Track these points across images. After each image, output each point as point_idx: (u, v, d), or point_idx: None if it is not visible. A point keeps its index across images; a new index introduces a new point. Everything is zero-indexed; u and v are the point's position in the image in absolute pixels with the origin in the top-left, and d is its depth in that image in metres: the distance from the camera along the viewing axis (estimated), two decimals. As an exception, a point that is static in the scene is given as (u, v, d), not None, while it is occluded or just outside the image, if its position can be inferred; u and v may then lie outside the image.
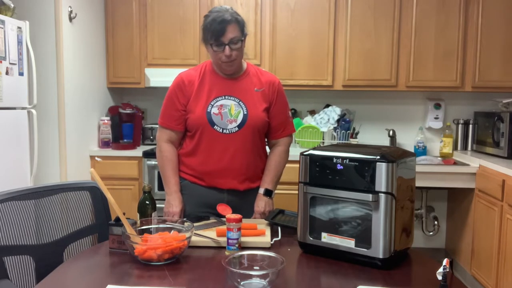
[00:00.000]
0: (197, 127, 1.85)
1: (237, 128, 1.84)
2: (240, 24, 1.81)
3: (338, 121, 3.58)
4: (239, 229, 1.46)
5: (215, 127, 1.84)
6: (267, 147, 2.02)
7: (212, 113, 1.84)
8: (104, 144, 3.59)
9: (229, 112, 1.85)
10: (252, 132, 1.87)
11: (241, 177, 1.88)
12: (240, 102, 1.86)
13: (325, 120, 3.59)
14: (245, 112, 1.85)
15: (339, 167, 1.41)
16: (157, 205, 1.71)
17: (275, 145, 1.99)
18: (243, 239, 1.50)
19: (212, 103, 1.85)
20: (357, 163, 1.38)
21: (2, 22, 2.49)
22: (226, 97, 1.86)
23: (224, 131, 1.84)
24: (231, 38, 1.77)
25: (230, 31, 1.77)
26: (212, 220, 1.78)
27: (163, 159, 1.92)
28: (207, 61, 1.96)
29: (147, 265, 1.37)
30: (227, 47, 1.77)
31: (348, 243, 1.40)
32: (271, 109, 1.92)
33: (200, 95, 1.86)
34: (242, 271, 1.21)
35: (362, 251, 1.37)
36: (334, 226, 1.44)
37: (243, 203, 1.88)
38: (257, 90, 1.90)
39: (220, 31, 1.75)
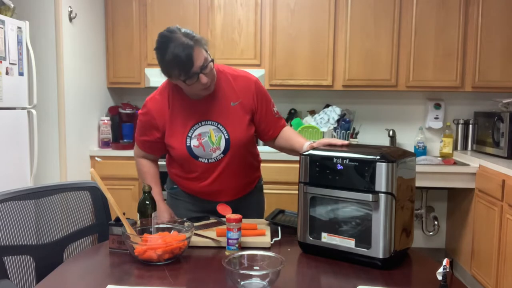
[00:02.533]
0: (182, 161, 1.75)
1: (222, 155, 1.72)
2: (203, 44, 1.58)
3: (338, 121, 3.58)
4: (239, 229, 1.45)
5: (200, 159, 1.72)
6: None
7: (192, 146, 1.70)
8: (104, 144, 3.59)
9: (209, 140, 1.70)
10: (239, 153, 1.75)
11: (233, 192, 1.83)
12: (219, 125, 1.71)
13: (325, 120, 3.59)
14: (227, 137, 1.71)
15: (339, 167, 1.41)
16: (157, 204, 1.71)
17: (277, 137, 1.87)
18: (243, 239, 1.50)
19: (189, 135, 1.70)
20: (357, 163, 1.38)
21: (2, 22, 2.49)
22: (202, 122, 1.70)
23: (210, 160, 1.73)
24: (200, 65, 1.55)
25: (198, 58, 1.54)
26: (212, 220, 1.78)
27: (140, 173, 1.87)
28: (168, 80, 1.72)
29: (147, 265, 1.37)
30: (201, 75, 1.56)
31: (348, 243, 1.40)
32: (256, 116, 1.78)
33: (175, 127, 1.71)
34: (242, 271, 1.21)
35: (362, 251, 1.37)
36: (334, 226, 1.44)
37: (244, 203, 1.87)
38: (233, 104, 1.72)
39: (187, 63, 1.52)
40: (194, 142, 1.70)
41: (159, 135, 1.74)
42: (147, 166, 1.86)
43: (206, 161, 1.73)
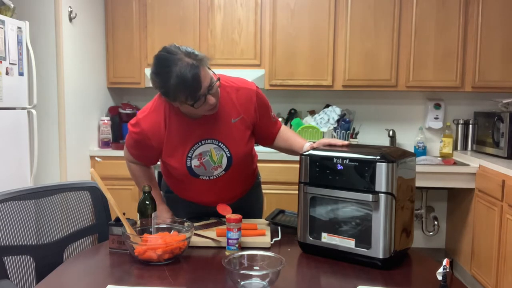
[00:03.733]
0: (181, 177, 1.69)
1: (223, 172, 1.69)
2: (206, 62, 1.49)
3: (338, 121, 3.58)
4: (239, 229, 1.46)
5: (201, 177, 1.68)
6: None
7: (193, 166, 1.64)
8: (104, 144, 3.59)
9: (210, 159, 1.65)
10: (240, 168, 1.72)
11: (233, 200, 1.81)
12: (220, 144, 1.64)
13: (325, 120, 3.59)
14: (228, 155, 1.65)
15: (339, 167, 1.41)
16: (157, 205, 1.71)
17: (276, 138, 1.86)
18: (243, 239, 1.50)
19: (190, 155, 1.63)
20: (357, 163, 1.38)
21: (2, 22, 2.49)
22: (203, 142, 1.63)
23: (211, 177, 1.69)
24: (207, 86, 1.47)
25: (205, 79, 1.45)
26: (212, 220, 1.78)
27: (134, 177, 1.81)
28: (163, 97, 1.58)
29: (147, 265, 1.37)
30: (208, 96, 1.48)
31: (348, 243, 1.40)
32: (256, 126, 1.74)
33: (173, 147, 1.63)
34: (242, 271, 1.21)
35: (362, 251, 1.37)
36: (334, 226, 1.44)
37: (242, 201, 1.87)
38: (234, 121, 1.65)
39: (196, 86, 1.43)
40: (195, 162, 1.64)
41: (154, 153, 1.67)
42: (140, 171, 1.79)
43: (207, 178, 1.69)
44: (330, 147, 1.55)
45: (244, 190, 1.86)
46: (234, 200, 1.81)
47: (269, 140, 1.85)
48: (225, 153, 1.65)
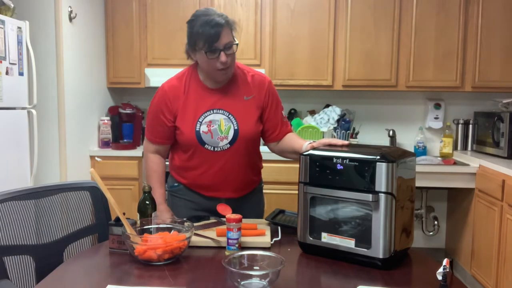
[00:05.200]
0: (188, 146, 1.78)
1: (228, 145, 1.76)
2: (232, 26, 1.69)
3: (338, 121, 3.58)
4: (239, 229, 1.46)
5: (206, 146, 1.75)
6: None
7: (201, 131, 1.74)
8: (104, 144, 3.59)
9: (219, 128, 1.74)
10: (245, 146, 1.79)
11: (236, 188, 1.84)
12: (230, 116, 1.75)
13: (325, 120, 3.59)
14: (236, 127, 1.75)
15: (339, 167, 1.41)
16: (158, 205, 1.71)
17: (281, 141, 1.90)
18: (243, 239, 1.50)
19: (200, 120, 1.74)
20: (357, 163, 1.38)
21: (2, 22, 2.49)
22: (214, 111, 1.75)
23: (216, 149, 1.76)
24: (225, 43, 1.64)
25: (225, 36, 1.63)
26: (212, 220, 1.78)
27: (148, 170, 1.88)
28: (189, 67, 1.82)
29: (147, 265, 1.37)
30: (222, 53, 1.64)
31: (348, 243, 1.40)
32: (265, 114, 1.84)
33: (187, 111, 1.75)
34: (242, 271, 1.21)
35: (362, 251, 1.37)
36: (334, 226, 1.44)
37: (243, 203, 1.87)
38: (246, 98, 1.79)
39: (214, 36, 1.61)
40: (203, 128, 1.74)
41: (170, 117, 1.77)
42: (156, 164, 1.87)
43: (212, 148, 1.76)
44: (330, 147, 1.55)
45: (246, 184, 1.87)
46: (234, 190, 1.83)
47: (275, 136, 1.89)
48: (233, 125, 1.75)
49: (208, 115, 1.75)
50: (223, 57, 1.64)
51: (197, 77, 1.78)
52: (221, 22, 1.63)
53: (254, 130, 1.79)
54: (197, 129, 1.74)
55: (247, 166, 1.84)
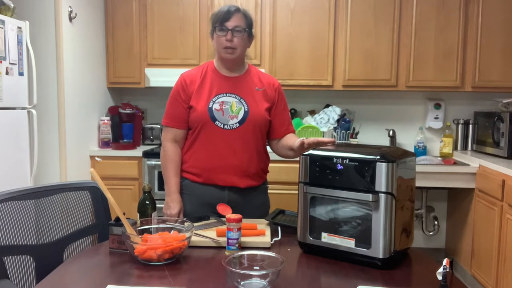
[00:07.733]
0: (198, 123, 1.86)
1: (238, 124, 1.85)
2: (247, 19, 1.85)
3: (338, 121, 3.58)
4: (239, 229, 1.46)
5: (216, 122, 1.84)
6: (268, 148, 2.02)
7: (213, 109, 1.85)
8: (104, 144, 3.59)
9: (230, 108, 1.86)
10: (253, 129, 1.88)
11: (241, 173, 1.88)
12: (241, 100, 1.88)
13: (325, 120, 3.59)
14: (246, 109, 1.87)
15: (339, 167, 1.41)
16: (157, 205, 1.71)
17: (281, 139, 1.98)
18: (243, 239, 1.50)
19: (213, 100, 1.86)
20: (357, 163, 1.38)
21: (2, 22, 2.49)
22: (227, 94, 1.88)
23: (225, 126, 1.85)
24: (235, 25, 1.81)
25: (235, 19, 1.82)
26: (212, 220, 1.78)
27: (165, 159, 1.93)
28: (209, 61, 1.97)
29: (147, 265, 1.37)
30: (229, 32, 1.81)
31: (348, 243, 1.40)
32: (273, 109, 1.95)
33: (202, 93, 1.88)
34: (242, 271, 1.21)
35: (362, 251, 1.37)
36: (334, 226, 1.44)
37: (244, 202, 1.88)
38: (258, 90, 1.92)
39: (225, 15, 1.81)
40: (216, 106, 1.86)
41: (186, 98, 1.89)
42: (172, 152, 1.93)
43: (222, 126, 1.85)
44: (319, 145, 1.59)
45: (252, 173, 1.90)
46: (241, 176, 1.88)
47: (280, 133, 1.98)
48: (244, 107, 1.87)
49: (221, 97, 1.88)
50: (228, 35, 1.81)
51: (213, 66, 1.94)
52: (236, 7, 1.83)
53: (263, 115, 1.90)
54: (210, 106, 1.85)
55: (253, 151, 1.90)
